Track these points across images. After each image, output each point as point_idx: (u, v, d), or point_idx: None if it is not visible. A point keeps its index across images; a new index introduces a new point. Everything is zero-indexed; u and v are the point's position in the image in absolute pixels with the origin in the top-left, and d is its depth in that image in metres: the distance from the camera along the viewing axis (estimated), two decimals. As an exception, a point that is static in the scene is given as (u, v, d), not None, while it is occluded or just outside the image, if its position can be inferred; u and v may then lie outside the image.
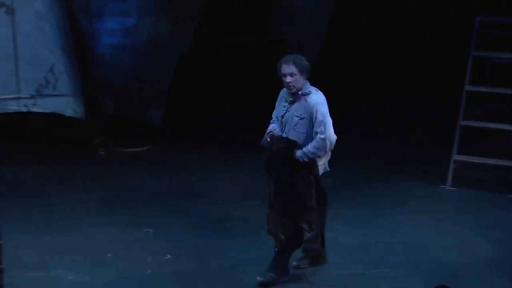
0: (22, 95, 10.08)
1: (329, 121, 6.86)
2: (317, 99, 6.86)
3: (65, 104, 10.30)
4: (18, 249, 7.54)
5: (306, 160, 6.83)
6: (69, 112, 10.36)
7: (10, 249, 7.14)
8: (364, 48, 12.74)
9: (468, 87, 9.70)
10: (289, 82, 6.81)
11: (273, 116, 7.13)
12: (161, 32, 10.53)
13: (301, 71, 6.83)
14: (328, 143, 6.83)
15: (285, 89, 6.98)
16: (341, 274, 7.30)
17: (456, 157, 9.62)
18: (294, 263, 7.27)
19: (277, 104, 7.11)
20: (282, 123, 7.00)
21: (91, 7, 10.42)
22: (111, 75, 10.70)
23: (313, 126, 6.83)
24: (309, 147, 6.81)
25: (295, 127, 6.90)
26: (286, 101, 6.96)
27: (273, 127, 7.04)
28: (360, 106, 12.61)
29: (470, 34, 9.60)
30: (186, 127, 11.59)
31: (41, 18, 10.05)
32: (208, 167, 10.18)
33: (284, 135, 6.97)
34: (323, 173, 7.06)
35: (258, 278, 7.03)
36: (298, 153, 6.83)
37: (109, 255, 7.69)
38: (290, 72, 6.80)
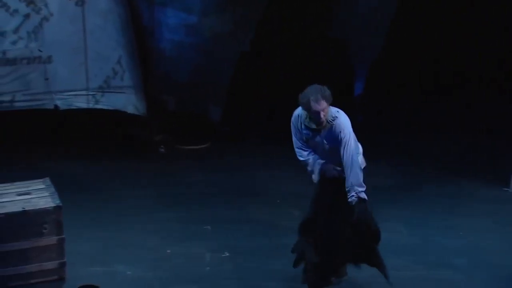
0: (90, 87, 10.17)
1: (355, 142, 6.76)
2: (343, 122, 6.71)
3: (127, 101, 10.38)
4: (79, 243, 7.65)
5: (361, 196, 6.67)
6: (130, 109, 10.43)
7: (72, 243, 7.27)
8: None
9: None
10: (322, 118, 6.65)
11: (297, 142, 6.88)
12: (223, 30, 10.55)
13: (328, 102, 6.66)
14: (362, 165, 6.78)
15: (300, 115, 6.81)
16: (401, 275, 7.23)
17: (519, 159, 9.48)
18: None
19: (293, 130, 6.88)
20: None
21: (154, 2, 10.49)
22: (172, 72, 10.75)
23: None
24: (354, 182, 6.64)
25: (326, 151, 6.80)
26: (308, 128, 6.79)
27: (314, 157, 6.86)
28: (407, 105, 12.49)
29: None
30: (245, 125, 11.59)
31: (107, 11, 10.14)
32: (267, 166, 10.15)
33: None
34: None
35: None
36: (351, 196, 6.69)
37: (168, 251, 7.75)
38: (323, 108, 6.62)
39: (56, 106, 10.13)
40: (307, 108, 6.68)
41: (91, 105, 10.22)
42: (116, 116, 10.53)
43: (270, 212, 8.73)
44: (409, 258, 7.58)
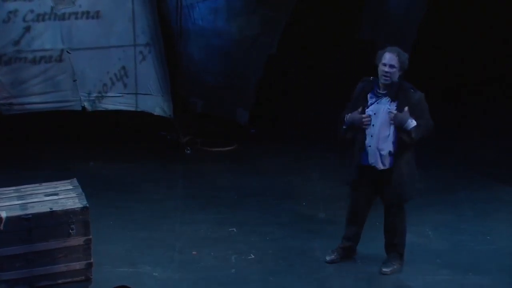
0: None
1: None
2: (423, 100, 6.92)
3: (154, 103, 10.40)
4: (106, 244, 7.67)
5: (414, 136, 6.85)
6: (157, 111, 10.44)
7: (99, 244, 7.29)
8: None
9: None
10: (387, 72, 6.79)
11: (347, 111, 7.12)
12: (251, 32, 10.55)
13: (401, 66, 6.85)
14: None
15: (367, 82, 6.97)
16: (429, 279, 7.20)
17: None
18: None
19: (354, 100, 7.07)
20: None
21: (182, 5, 10.50)
22: (200, 74, 10.77)
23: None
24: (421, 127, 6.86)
25: (383, 118, 6.88)
26: (375, 94, 6.93)
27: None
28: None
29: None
30: (272, 127, 11.58)
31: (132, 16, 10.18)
32: (294, 168, 10.12)
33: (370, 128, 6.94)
34: None
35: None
36: (411, 125, 6.82)
37: (194, 253, 7.76)
38: (393, 64, 6.80)
39: (84, 108, 10.18)
40: (379, 58, 6.83)
41: (116, 107, 10.24)
42: (144, 117, 10.57)
43: (296, 214, 8.70)
44: (436, 262, 7.52)
